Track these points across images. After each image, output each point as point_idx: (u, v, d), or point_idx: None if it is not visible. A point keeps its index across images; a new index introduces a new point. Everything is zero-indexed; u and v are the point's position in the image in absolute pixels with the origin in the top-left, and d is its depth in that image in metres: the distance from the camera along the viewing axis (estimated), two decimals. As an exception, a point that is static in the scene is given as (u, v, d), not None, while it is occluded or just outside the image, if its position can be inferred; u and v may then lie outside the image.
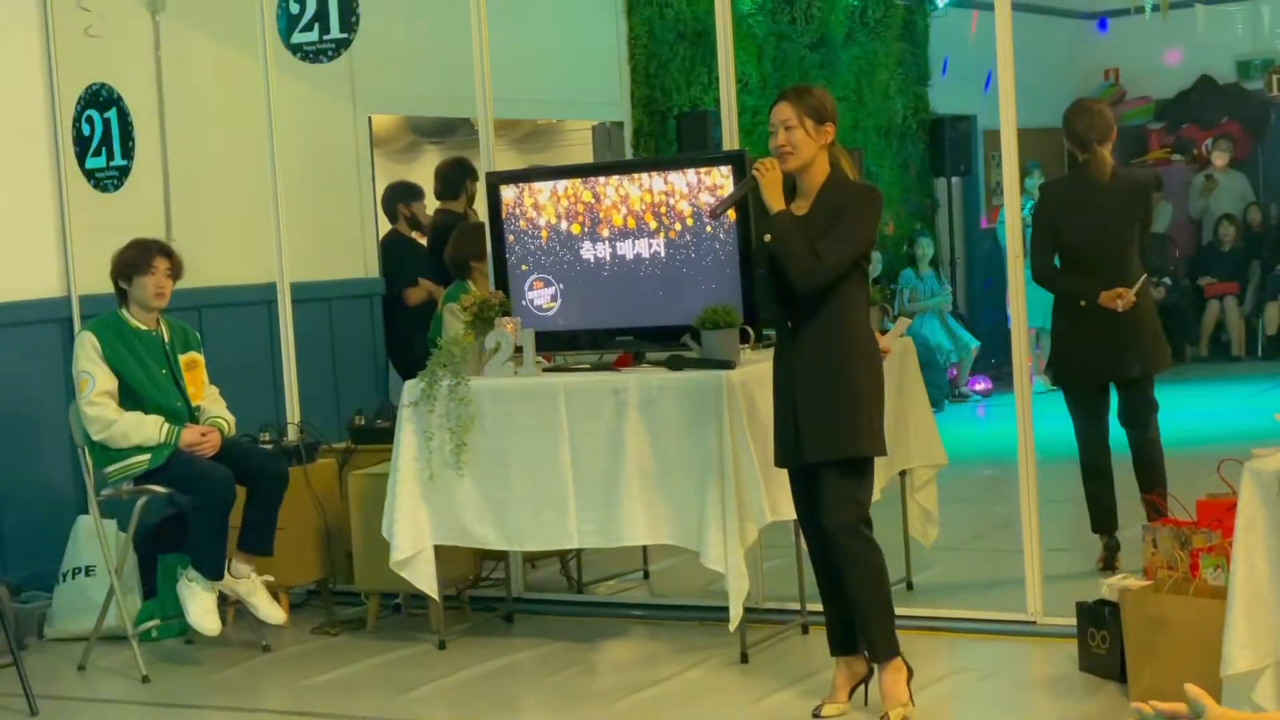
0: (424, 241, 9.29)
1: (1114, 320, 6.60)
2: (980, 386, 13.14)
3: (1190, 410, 11.09)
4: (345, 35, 7.12)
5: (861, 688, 5.30)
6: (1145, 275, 6.74)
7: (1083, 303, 6.66)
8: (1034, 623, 6.07)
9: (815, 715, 5.24)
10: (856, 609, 5.18)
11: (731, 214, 6.00)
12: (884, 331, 6.90)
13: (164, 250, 6.57)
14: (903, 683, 5.18)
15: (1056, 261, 6.75)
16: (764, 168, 5.09)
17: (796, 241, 5.01)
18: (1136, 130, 15.89)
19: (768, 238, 5.06)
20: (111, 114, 7.63)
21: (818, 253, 5.01)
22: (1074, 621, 5.61)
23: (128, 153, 7.65)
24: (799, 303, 5.10)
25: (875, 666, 5.23)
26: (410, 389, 6.27)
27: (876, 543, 5.19)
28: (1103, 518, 6.81)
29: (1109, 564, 6.71)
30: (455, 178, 9.17)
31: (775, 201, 5.07)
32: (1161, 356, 6.79)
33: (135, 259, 6.49)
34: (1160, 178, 14.12)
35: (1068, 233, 6.70)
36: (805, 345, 5.13)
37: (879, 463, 6.13)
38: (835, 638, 5.30)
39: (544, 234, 6.41)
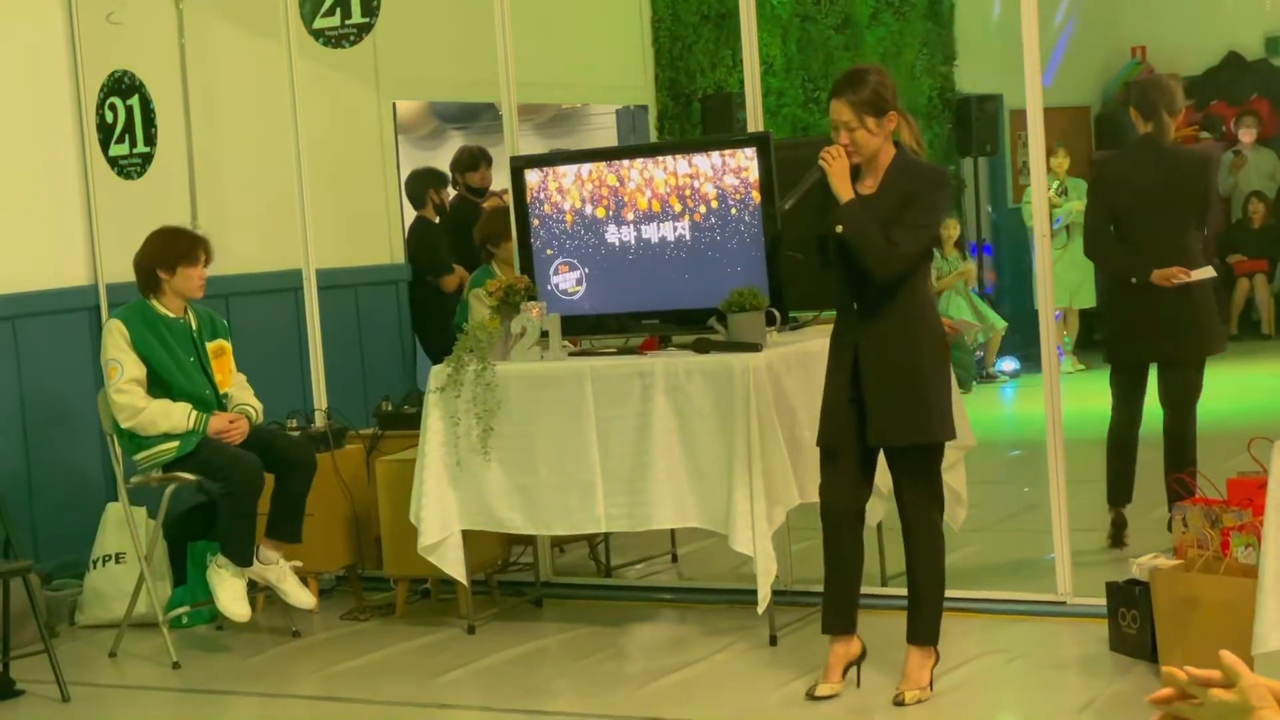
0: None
1: (1167, 300, 6.51)
2: (1008, 367, 13.09)
3: (1220, 388, 11.02)
4: (367, 20, 7.11)
5: (854, 668, 5.32)
6: (1212, 269, 6.69)
7: (1134, 279, 6.60)
8: (1064, 603, 6.06)
9: (810, 696, 5.26)
10: (914, 591, 5.21)
11: (756, 196, 5.99)
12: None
13: (204, 241, 6.59)
14: (929, 669, 5.20)
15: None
16: (830, 156, 5.05)
17: (871, 231, 4.98)
18: (1164, 108, 15.78)
19: (839, 228, 5.03)
20: (134, 101, 7.65)
21: (893, 240, 4.99)
22: (1104, 601, 5.59)
23: (150, 140, 7.66)
24: (867, 285, 5.08)
25: (908, 647, 5.22)
26: (436, 374, 6.27)
27: (942, 530, 5.22)
28: (1120, 490, 6.80)
29: (1117, 541, 6.73)
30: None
31: (844, 191, 5.05)
32: (1214, 340, 6.73)
33: (186, 250, 6.48)
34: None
35: (1124, 207, 6.63)
36: (873, 328, 5.10)
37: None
38: (835, 618, 5.29)
39: (569, 218, 6.40)
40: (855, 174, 5.13)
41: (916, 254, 5.05)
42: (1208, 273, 6.64)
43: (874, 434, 5.11)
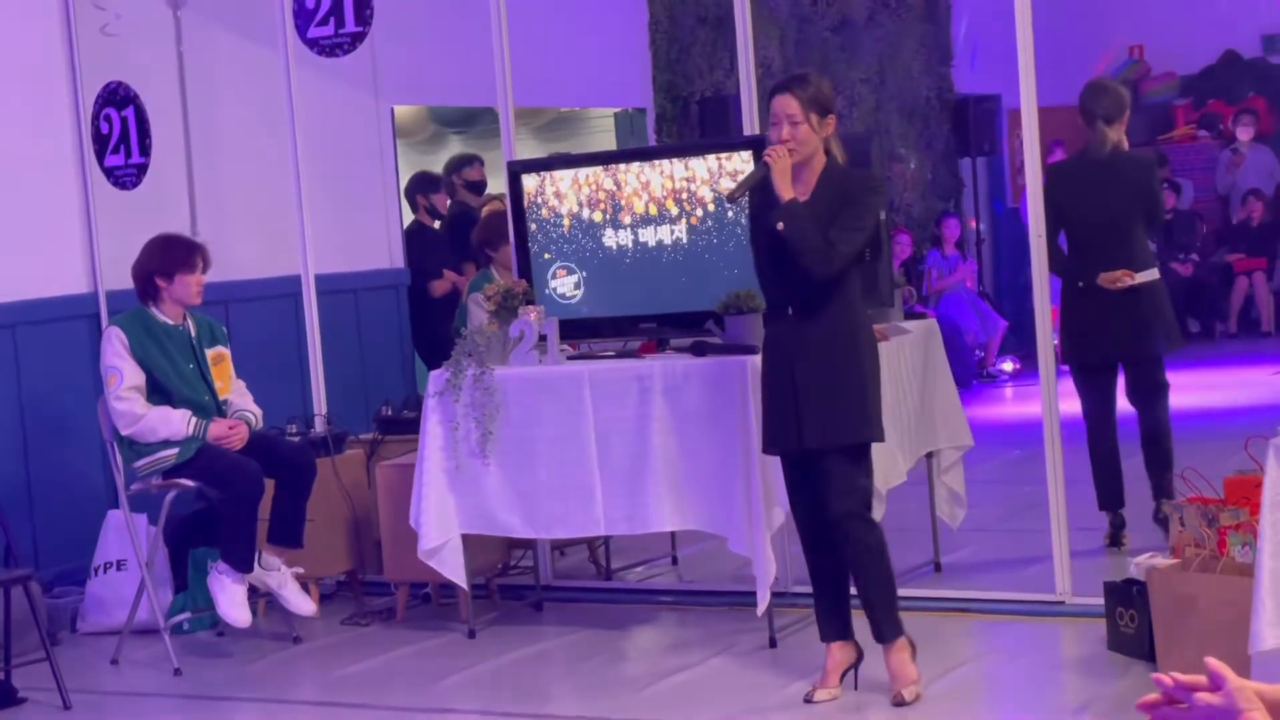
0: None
1: (1117, 301, 6.62)
2: (1007, 366, 13.10)
3: (1219, 386, 11.05)
4: (360, 29, 7.13)
5: (851, 672, 5.33)
6: (1156, 269, 6.75)
7: (1080, 283, 6.69)
8: (1062, 602, 6.06)
9: (807, 700, 5.27)
10: (862, 592, 5.20)
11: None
12: (909, 314, 6.92)
13: (200, 247, 6.61)
14: (909, 660, 5.20)
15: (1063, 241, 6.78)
16: (774, 155, 5.08)
17: (810, 229, 5.01)
18: (1162, 106, 15.83)
19: (780, 225, 5.05)
20: (129, 111, 7.66)
21: (831, 240, 5.01)
22: (1102, 601, 5.60)
23: (145, 150, 7.68)
24: (803, 289, 5.10)
25: (881, 648, 5.22)
26: (435, 379, 6.29)
27: (879, 525, 5.21)
28: (1109, 495, 6.83)
29: (1115, 541, 6.79)
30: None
31: (785, 190, 5.06)
32: (1167, 337, 6.78)
33: (182, 257, 6.50)
34: (1164, 156, 14.04)
35: (1071, 212, 6.71)
36: (808, 331, 5.12)
37: (905, 446, 6.17)
38: (828, 624, 5.31)
39: (566, 222, 6.42)
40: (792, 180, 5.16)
41: (853, 254, 5.07)
42: (1152, 275, 6.72)
43: (809, 437, 5.10)
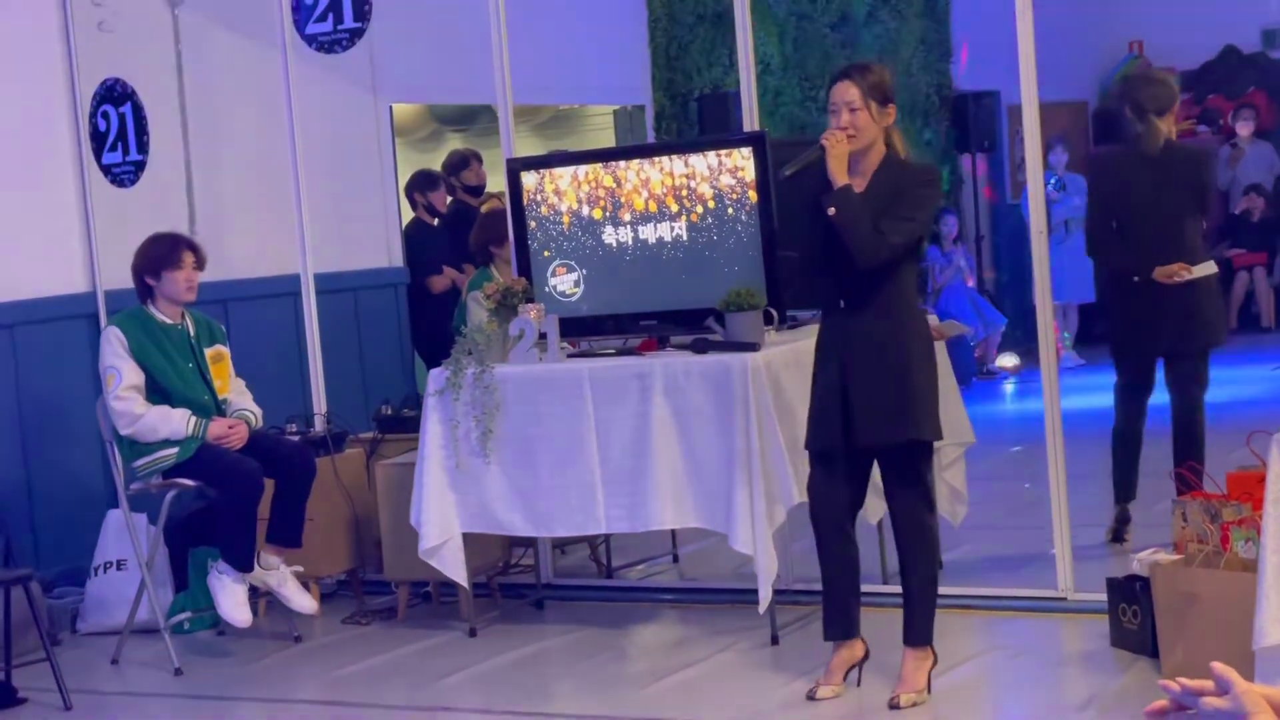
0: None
1: (1169, 295, 6.53)
2: (1008, 363, 13.07)
3: (1220, 382, 11.03)
4: (359, 25, 7.12)
5: (855, 669, 5.31)
6: (1213, 264, 6.69)
7: (1135, 277, 6.61)
8: (1065, 599, 6.05)
9: (810, 698, 5.25)
10: (908, 589, 5.18)
11: (753, 196, 5.99)
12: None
13: (189, 243, 6.59)
14: (926, 670, 5.17)
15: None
16: (833, 139, 5.04)
17: (861, 216, 4.97)
18: (1161, 102, 15.78)
19: (831, 211, 5.01)
20: (127, 109, 7.65)
21: (881, 230, 4.98)
22: (1105, 597, 5.59)
23: (143, 147, 7.67)
24: (854, 281, 5.06)
25: (904, 648, 5.21)
26: (435, 377, 6.27)
27: (936, 530, 5.19)
28: (1124, 487, 6.81)
29: (1118, 536, 6.77)
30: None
31: (840, 175, 5.02)
32: (1217, 332, 6.73)
33: (165, 254, 6.48)
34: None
35: (1121, 205, 6.65)
36: (861, 326, 5.08)
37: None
38: (836, 623, 5.28)
39: (566, 219, 6.40)
40: (849, 169, 5.12)
41: (901, 245, 5.03)
42: (1209, 269, 6.64)
43: (861, 433, 5.08)
